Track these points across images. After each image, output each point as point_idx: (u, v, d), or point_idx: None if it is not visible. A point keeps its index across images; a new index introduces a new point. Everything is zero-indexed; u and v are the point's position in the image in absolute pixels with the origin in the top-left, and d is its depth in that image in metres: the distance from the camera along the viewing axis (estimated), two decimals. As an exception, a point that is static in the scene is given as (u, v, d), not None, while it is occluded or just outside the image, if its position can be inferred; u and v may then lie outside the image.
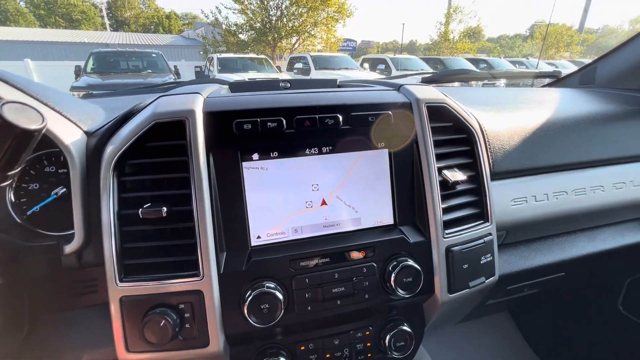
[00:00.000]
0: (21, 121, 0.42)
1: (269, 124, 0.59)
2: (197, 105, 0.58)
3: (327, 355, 0.67)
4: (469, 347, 1.41)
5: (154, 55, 9.14)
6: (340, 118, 0.63)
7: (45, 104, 0.59)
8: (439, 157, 0.68)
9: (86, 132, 0.63)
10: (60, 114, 0.60)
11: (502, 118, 0.86)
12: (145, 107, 0.62)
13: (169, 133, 0.57)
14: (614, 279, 1.27)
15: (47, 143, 0.59)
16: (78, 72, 7.85)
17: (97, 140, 0.61)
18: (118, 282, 0.55)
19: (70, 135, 0.59)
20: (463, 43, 24.01)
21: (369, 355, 0.70)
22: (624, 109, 1.00)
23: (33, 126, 0.43)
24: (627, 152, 0.94)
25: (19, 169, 0.49)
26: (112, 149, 0.57)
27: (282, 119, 0.60)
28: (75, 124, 0.62)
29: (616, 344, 1.28)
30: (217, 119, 0.58)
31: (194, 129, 0.56)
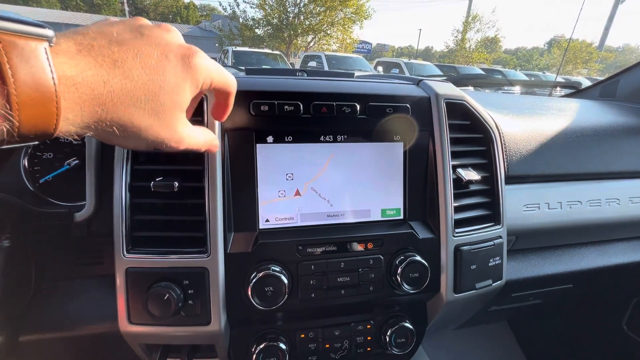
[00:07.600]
0: None
1: (285, 107, 0.59)
2: None
3: (327, 346, 0.66)
4: (467, 354, 1.39)
5: (170, 43, 9.19)
6: (358, 107, 0.62)
7: None
8: (454, 154, 0.67)
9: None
10: None
11: (520, 122, 0.84)
12: None
13: None
14: (621, 297, 1.24)
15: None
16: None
17: None
18: (125, 253, 0.55)
19: None
20: (479, 52, 23.78)
21: (369, 349, 0.69)
22: (645, 123, 0.98)
23: None
24: None
25: None
26: (128, 121, 0.57)
27: (300, 103, 0.59)
28: None
29: (617, 363, 1.25)
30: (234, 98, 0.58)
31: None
